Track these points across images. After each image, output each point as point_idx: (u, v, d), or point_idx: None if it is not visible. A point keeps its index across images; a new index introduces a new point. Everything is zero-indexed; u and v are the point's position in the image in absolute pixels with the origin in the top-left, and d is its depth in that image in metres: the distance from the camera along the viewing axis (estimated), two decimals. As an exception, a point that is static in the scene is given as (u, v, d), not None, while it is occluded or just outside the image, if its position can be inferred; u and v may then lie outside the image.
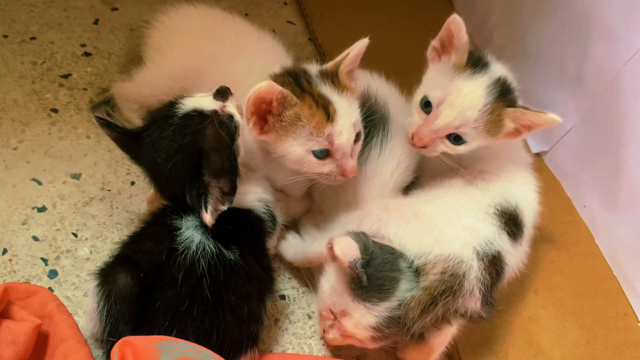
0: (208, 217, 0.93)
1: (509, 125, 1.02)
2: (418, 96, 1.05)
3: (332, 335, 1.02)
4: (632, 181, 1.23)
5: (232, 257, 0.96)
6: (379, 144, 1.12)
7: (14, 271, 1.10)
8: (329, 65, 1.06)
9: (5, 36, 1.44)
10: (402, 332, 0.97)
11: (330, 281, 1.00)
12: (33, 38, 1.45)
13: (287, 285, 1.19)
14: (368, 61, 1.13)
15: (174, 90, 1.22)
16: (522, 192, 1.09)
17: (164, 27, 1.28)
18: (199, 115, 0.96)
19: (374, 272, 0.96)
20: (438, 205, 1.05)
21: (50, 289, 1.08)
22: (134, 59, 1.35)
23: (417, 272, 0.98)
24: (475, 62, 1.02)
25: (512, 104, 1.02)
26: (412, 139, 1.04)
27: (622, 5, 1.20)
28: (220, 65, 1.19)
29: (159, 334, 0.90)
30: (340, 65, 1.05)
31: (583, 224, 1.35)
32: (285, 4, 1.71)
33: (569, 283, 1.26)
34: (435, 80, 1.04)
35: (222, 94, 0.99)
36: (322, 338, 1.13)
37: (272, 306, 1.05)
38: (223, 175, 0.96)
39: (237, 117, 0.99)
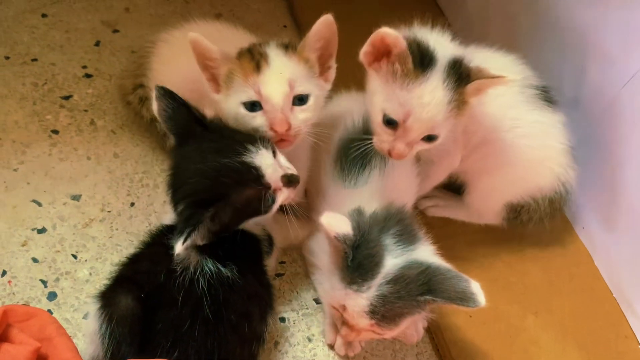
0: (179, 248, 0.89)
1: (472, 100, 1.01)
2: (377, 116, 1.02)
3: (344, 332, 1.03)
4: (631, 203, 1.24)
5: (230, 275, 0.95)
6: (378, 164, 1.12)
7: (13, 293, 1.10)
8: (303, 42, 1.06)
9: (7, 57, 1.45)
10: (408, 306, 0.96)
11: (328, 278, 1.01)
12: (34, 59, 1.47)
13: (287, 307, 1.18)
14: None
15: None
16: None
17: (169, 42, 1.30)
18: (256, 176, 0.94)
19: (359, 254, 0.96)
20: None
21: (49, 311, 1.07)
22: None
23: (407, 242, 0.98)
24: (421, 61, 0.98)
25: (468, 76, 0.99)
26: (389, 154, 1.03)
27: (619, 29, 1.21)
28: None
29: (161, 355, 0.89)
30: (304, 41, 1.05)
31: (582, 246, 1.36)
32: (285, 26, 1.72)
33: (569, 305, 1.25)
34: (387, 93, 1.00)
35: (290, 182, 0.98)
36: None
37: (272, 327, 1.05)
38: (220, 225, 0.95)
39: (276, 206, 0.98)
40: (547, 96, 1.20)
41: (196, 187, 0.94)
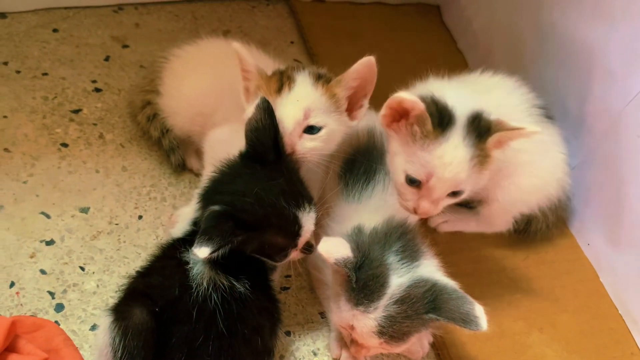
0: (204, 254, 0.87)
1: (495, 152, 0.99)
2: (399, 176, 1.00)
3: (354, 349, 1.03)
4: (635, 219, 1.24)
5: (243, 290, 0.95)
6: (382, 179, 1.13)
7: (21, 304, 1.10)
8: (338, 78, 1.08)
9: (18, 72, 1.47)
10: (415, 324, 0.96)
11: (334, 299, 1.01)
12: (45, 74, 1.48)
13: (292, 321, 1.18)
14: (376, 99, 1.15)
15: (190, 116, 1.28)
16: None
17: (182, 57, 1.32)
18: (295, 232, 0.95)
19: (362, 275, 0.96)
20: None
21: (56, 322, 1.08)
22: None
23: (410, 258, 0.98)
24: (440, 121, 0.96)
25: (488, 129, 0.98)
26: (415, 212, 1.02)
27: (622, 47, 1.22)
28: (236, 90, 1.19)
29: None
30: (341, 77, 1.06)
31: (587, 262, 1.36)
32: (292, 42, 1.74)
33: (575, 321, 1.25)
34: (408, 154, 0.99)
35: (307, 250, 1.00)
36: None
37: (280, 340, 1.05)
38: (238, 248, 0.95)
39: (285, 260, 0.99)
40: (547, 113, 1.23)
41: (246, 207, 0.93)
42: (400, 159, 1.00)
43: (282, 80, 1.05)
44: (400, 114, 0.99)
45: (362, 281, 0.96)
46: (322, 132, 1.06)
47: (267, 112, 0.98)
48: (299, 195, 0.96)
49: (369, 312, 0.95)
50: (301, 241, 0.98)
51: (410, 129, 0.98)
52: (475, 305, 0.93)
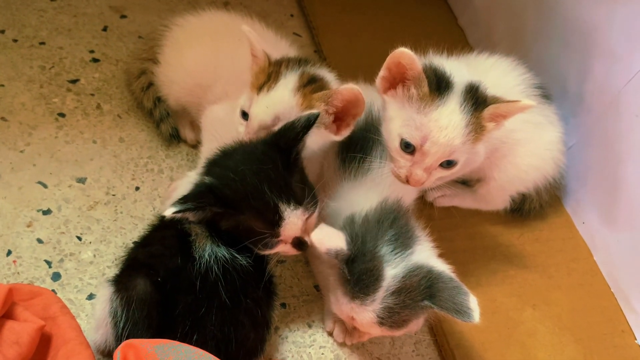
0: (168, 214, 0.89)
1: (490, 125, 0.99)
2: (394, 141, 1.00)
3: (356, 335, 1.07)
4: (631, 199, 1.25)
5: (244, 262, 0.95)
6: (378, 157, 1.13)
7: (18, 273, 1.11)
8: (322, 93, 1.03)
9: (15, 40, 1.46)
10: (414, 312, 0.97)
11: (333, 292, 1.02)
12: (42, 43, 1.47)
13: (287, 293, 1.19)
14: (373, 75, 1.15)
15: (188, 86, 1.26)
16: None
17: (184, 27, 1.31)
18: (273, 221, 0.93)
19: (355, 268, 0.96)
20: None
21: (53, 291, 1.08)
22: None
23: (404, 246, 0.98)
24: (438, 85, 0.97)
25: (484, 101, 0.98)
26: (407, 181, 1.01)
27: (623, 26, 1.22)
28: (236, 63, 1.19)
29: (179, 338, 0.90)
30: (326, 92, 1.02)
31: (582, 241, 1.37)
32: (292, 15, 1.73)
33: (567, 299, 1.27)
34: (404, 118, 0.99)
35: (298, 246, 0.97)
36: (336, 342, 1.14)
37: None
38: (217, 222, 0.96)
39: (271, 251, 0.97)
40: (545, 92, 1.25)
41: (229, 183, 0.94)
42: (396, 123, 1.00)
43: (268, 77, 1.04)
44: (398, 79, 0.99)
45: (356, 275, 0.96)
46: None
47: (312, 119, 0.96)
48: (288, 189, 0.94)
49: (366, 305, 0.96)
50: (285, 234, 0.95)
51: (407, 92, 0.98)
52: (469, 297, 0.93)
